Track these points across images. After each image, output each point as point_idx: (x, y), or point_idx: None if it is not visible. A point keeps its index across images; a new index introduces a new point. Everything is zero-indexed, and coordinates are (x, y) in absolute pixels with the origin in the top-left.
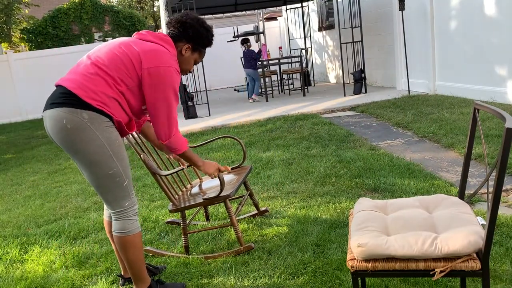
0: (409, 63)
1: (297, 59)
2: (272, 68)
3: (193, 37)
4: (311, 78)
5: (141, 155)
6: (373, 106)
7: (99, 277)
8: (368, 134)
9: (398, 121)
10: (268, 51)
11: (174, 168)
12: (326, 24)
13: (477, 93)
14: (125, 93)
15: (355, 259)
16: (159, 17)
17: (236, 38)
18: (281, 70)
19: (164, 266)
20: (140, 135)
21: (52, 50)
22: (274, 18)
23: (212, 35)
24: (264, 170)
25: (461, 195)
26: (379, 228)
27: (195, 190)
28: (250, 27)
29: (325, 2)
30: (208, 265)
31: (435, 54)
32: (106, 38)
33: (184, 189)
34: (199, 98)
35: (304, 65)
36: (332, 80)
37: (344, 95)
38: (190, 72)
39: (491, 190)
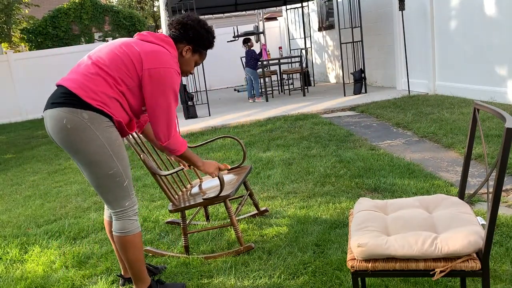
0: (409, 63)
1: (297, 59)
2: (272, 68)
3: (193, 39)
4: (311, 78)
5: (141, 155)
6: (373, 106)
7: (99, 277)
8: (368, 134)
9: (398, 121)
10: (268, 51)
11: (174, 168)
12: (326, 24)
13: (477, 93)
14: (126, 93)
15: (355, 259)
16: (159, 17)
17: (236, 38)
18: (281, 70)
19: (164, 266)
20: (140, 135)
21: (52, 50)
22: (274, 18)
23: (213, 37)
24: (264, 170)
25: (461, 195)
26: (379, 228)
27: (195, 190)
28: (250, 27)
29: (325, 2)
30: (208, 265)
31: (435, 54)
32: (106, 38)
33: (184, 189)
34: (199, 98)
35: (304, 65)
36: (332, 80)
37: (344, 95)
38: (191, 73)
39: (491, 190)
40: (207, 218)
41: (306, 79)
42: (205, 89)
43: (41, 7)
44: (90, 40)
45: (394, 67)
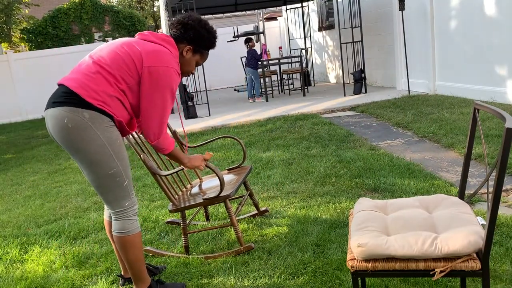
0: (409, 63)
1: (297, 59)
2: (272, 68)
3: (194, 39)
4: (311, 78)
5: (141, 155)
6: (373, 106)
7: (99, 277)
8: (368, 134)
9: (398, 121)
10: (268, 51)
11: (174, 168)
12: (326, 24)
13: (477, 93)
14: (126, 91)
15: (355, 259)
16: (159, 17)
17: (236, 38)
18: (281, 70)
19: (164, 266)
20: (141, 135)
21: (52, 50)
22: (274, 18)
23: (215, 37)
24: (264, 170)
25: (461, 195)
26: (379, 228)
27: (195, 190)
28: (250, 27)
29: (325, 2)
30: (208, 265)
31: (435, 54)
32: (106, 38)
33: (184, 189)
34: (199, 98)
35: (304, 65)
36: (332, 80)
37: (344, 95)
38: (192, 73)
39: (491, 190)
40: (207, 218)
41: (306, 79)
42: (205, 89)
43: (41, 7)
44: (90, 40)
45: (394, 67)
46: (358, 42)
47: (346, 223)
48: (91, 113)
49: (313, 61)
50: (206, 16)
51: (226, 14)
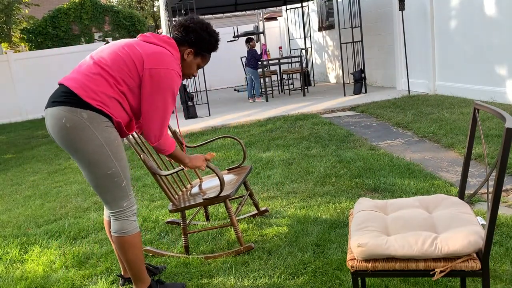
0: (409, 63)
1: (297, 59)
2: (272, 68)
3: (195, 42)
4: (311, 78)
5: (141, 155)
6: (373, 106)
7: (99, 277)
8: (368, 134)
9: (398, 121)
10: (268, 51)
11: (174, 168)
12: (326, 24)
13: (477, 93)
14: (126, 93)
15: (355, 259)
16: (159, 17)
17: (236, 38)
18: (281, 70)
19: (164, 266)
20: (141, 136)
21: (52, 50)
22: (274, 18)
23: (217, 41)
24: (264, 170)
25: (461, 195)
26: (379, 228)
27: (195, 190)
28: (250, 27)
29: (325, 2)
30: (208, 265)
31: (435, 54)
32: (106, 38)
33: (184, 189)
34: (199, 98)
35: (304, 65)
36: (332, 80)
37: (344, 95)
38: (194, 76)
39: (491, 190)
40: (207, 218)
41: (306, 79)
42: (205, 89)
43: (41, 7)
44: (90, 40)
45: (394, 67)
46: (358, 42)
47: (346, 223)
48: (89, 113)
49: (313, 61)
50: (206, 16)
51: (226, 14)
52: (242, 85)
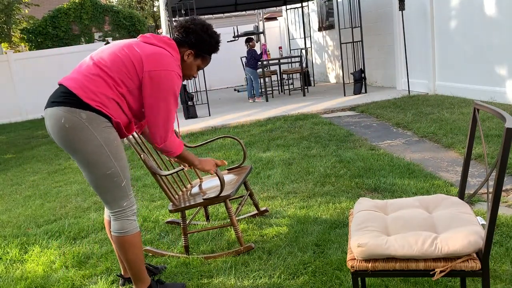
0: (409, 63)
1: (297, 59)
2: (272, 68)
3: (195, 44)
4: (311, 78)
5: (141, 155)
6: (373, 106)
7: (99, 277)
8: (368, 134)
9: (398, 121)
10: (268, 51)
11: (174, 168)
12: (326, 24)
13: (477, 93)
14: (126, 95)
15: (355, 259)
16: (159, 17)
17: (236, 38)
18: (281, 70)
19: (164, 266)
20: (141, 135)
21: (52, 50)
22: (274, 18)
23: (217, 42)
24: (264, 170)
25: (461, 195)
26: (379, 228)
27: (195, 190)
28: (250, 27)
29: (325, 2)
30: (208, 265)
31: (435, 54)
32: (106, 38)
33: (184, 189)
34: (199, 98)
35: (304, 65)
36: (332, 80)
37: (344, 95)
38: (194, 77)
39: (491, 190)
40: (207, 218)
41: (306, 79)
42: (205, 89)
43: (41, 7)
44: (90, 40)
45: (394, 67)
46: (358, 42)
47: (346, 223)
48: (88, 114)
49: (313, 61)
50: (206, 16)
51: (226, 14)
52: (242, 85)
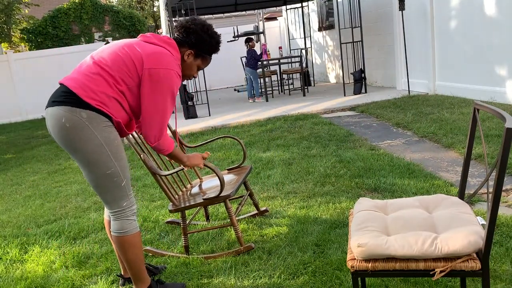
0: (409, 63)
1: (297, 59)
2: (272, 68)
3: (195, 44)
4: (311, 78)
5: (141, 155)
6: (373, 106)
7: (99, 277)
8: (368, 134)
9: (398, 121)
10: (268, 51)
11: (174, 168)
12: (326, 24)
13: (477, 93)
14: (126, 92)
15: (355, 259)
16: (159, 17)
17: (236, 38)
18: (281, 70)
19: (164, 266)
20: (141, 135)
21: (52, 50)
22: (274, 18)
23: (218, 43)
24: (264, 170)
25: (461, 195)
26: (379, 228)
27: (195, 190)
28: (250, 27)
29: (325, 2)
30: (208, 265)
31: (435, 54)
32: (106, 38)
33: (184, 189)
34: (199, 98)
35: (304, 65)
36: (332, 80)
37: (344, 95)
38: (194, 77)
39: (491, 190)
40: (207, 218)
41: (306, 79)
42: (205, 89)
43: (41, 7)
44: (90, 40)
45: (394, 67)
46: (358, 42)
47: (346, 223)
48: (88, 113)
49: (313, 61)
50: (206, 16)
51: (226, 14)
52: (242, 85)
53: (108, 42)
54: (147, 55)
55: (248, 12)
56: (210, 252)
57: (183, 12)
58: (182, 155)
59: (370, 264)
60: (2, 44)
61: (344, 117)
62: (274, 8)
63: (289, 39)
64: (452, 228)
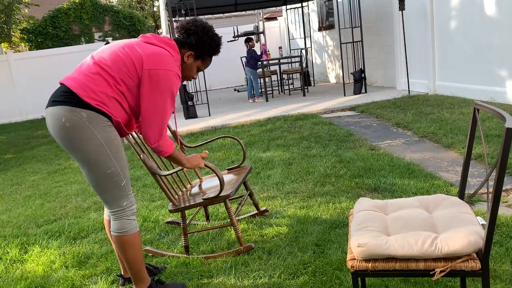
0: (409, 63)
1: (297, 59)
2: (272, 68)
3: (196, 45)
4: (311, 78)
5: (141, 155)
6: (373, 106)
7: (99, 277)
8: (368, 134)
9: (398, 121)
10: (268, 51)
11: (173, 168)
12: (326, 24)
13: (477, 93)
14: (125, 93)
15: (355, 259)
16: (159, 17)
17: (236, 38)
18: (281, 70)
19: (164, 266)
20: (140, 135)
21: (52, 50)
22: (274, 18)
23: (218, 45)
24: (264, 170)
25: (461, 195)
26: (379, 228)
27: (195, 190)
28: (250, 27)
29: (325, 2)
30: (208, 265)
31: (435, 54)
32: (106, 38)
33: (184, 189)
34: (199, 98)
35: (304, 65)
36: (332, 80)
37: (344, 95)
38: (194, 78)
39: (491, 190)
40: (207, 218)
41: (306, 79)
42: (205, 89)
43: (41, 7)
44: (90, 40)
45: (394, 67)
46: (358, 42)
47: (346, 223)
48: (88, 113)
49: (313, 61)
50: (206, 16)
51: (226, 14)
52: (242, 85)
53: (108, 42)
54: (147, 56)
55: (248, 12)
56: (210, 252)
57: (183, 12)
58: (182, 157)
59: (370, 264)
60: (2, 44)
61: (344, 117)
62: (274, 8)
63: (289, 39)
64: (452, 228)
